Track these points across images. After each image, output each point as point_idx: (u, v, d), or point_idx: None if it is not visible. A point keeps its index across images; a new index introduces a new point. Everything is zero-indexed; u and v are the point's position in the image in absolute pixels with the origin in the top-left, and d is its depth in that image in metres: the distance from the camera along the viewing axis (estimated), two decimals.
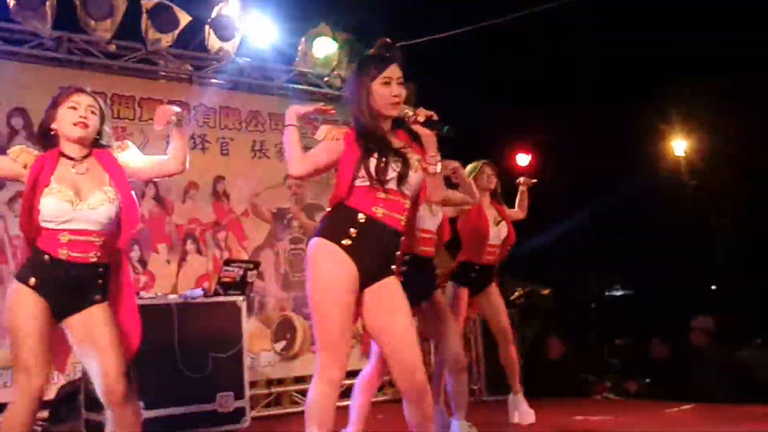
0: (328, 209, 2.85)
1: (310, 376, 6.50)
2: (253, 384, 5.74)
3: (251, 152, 6.51)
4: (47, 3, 5.43)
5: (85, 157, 2.95)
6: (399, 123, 2.87)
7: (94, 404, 4.56)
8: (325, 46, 6.68)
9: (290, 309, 6.49)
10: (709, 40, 8.59)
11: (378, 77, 2.79)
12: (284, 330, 6.41)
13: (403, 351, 2.73)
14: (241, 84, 6.63)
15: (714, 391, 5.67)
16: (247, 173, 6.44)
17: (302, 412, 6.18)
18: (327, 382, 2.68)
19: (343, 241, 2.70)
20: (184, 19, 6.00)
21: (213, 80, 6.53)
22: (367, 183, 2.74)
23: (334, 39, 6.73)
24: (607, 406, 5.93)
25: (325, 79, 6.90)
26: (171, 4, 5.93)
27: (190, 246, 6.04)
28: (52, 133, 2.92)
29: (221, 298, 5.12)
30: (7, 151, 2.91)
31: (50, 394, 4.86)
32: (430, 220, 4.14)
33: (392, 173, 2.75)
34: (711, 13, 8.25)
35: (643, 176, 9.46)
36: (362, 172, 2.73)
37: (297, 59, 6.77)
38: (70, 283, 2.84)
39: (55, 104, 2.93)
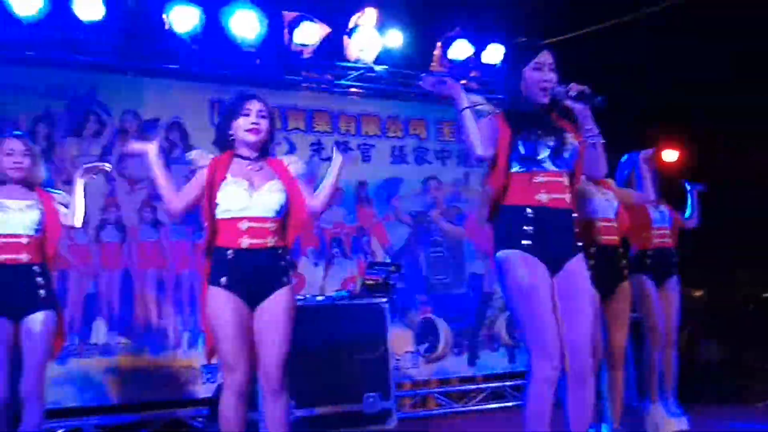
0: (490, 215, 2.83)
1: (454, 379, 6.61)
2: (398, 385, 5.80)
3: (391, 157, 6.62)
4: (197, 23, 5.74)
5: (258, 159, 3.13)
6: (550, 106, 2.85)
7: (251, 403, 4.79)
8: (461, 50, 6.68)
9: (431, 311, 6.53)
10: None
11: (530, 63, 2.81)
12: (426, 332, 6.46)
13: (574, 330, 2.71)
14: (379, 91, 6.75)
15: None
16: (388, 178, 6.55)
17: (447, 415, 6.27)
18: (543, 381, 2.67)
19: (523, 242, 2.71)
20: (324, 30, 6.18)
21: (352, 89, 6.69)
22: (523, 168, 2.74)
23: (470, 42, 6.73)
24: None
25: (462, 82, 6.89)
26: (310, 16, 6.12)
27: (336, 250, 6.22)
28: (231, 138, 3.12)
29: (366, 300, 5.23)
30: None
31: (209, 393, 5.15)
32: (608, 207, 3.99)
33: (545, 150, 2.74)
34: None
35: None
36: (516, 155, 2.73)
37: (432, 64, 6.81)
38: (257, 271, 2.99)
39: (230, 112, 3.13)
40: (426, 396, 6.36)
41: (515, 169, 2.77)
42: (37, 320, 3.44)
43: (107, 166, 3.82)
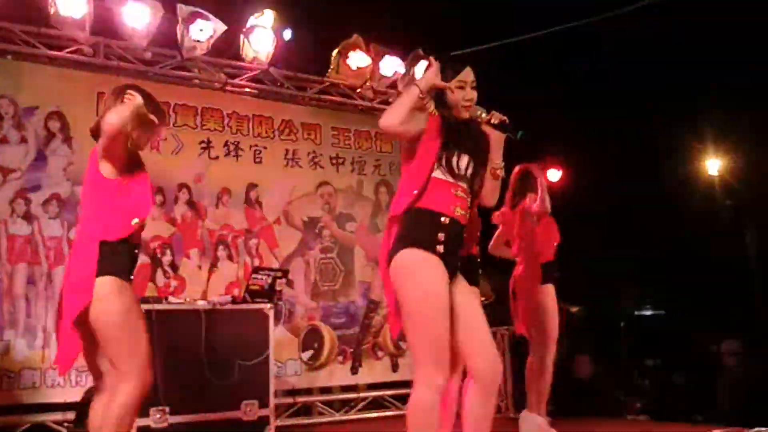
0: (398, 213, 2.78)
1: (336, 387, 6.56)
2: (279, 393, 5.71)
3: (284, 160, 6.53)
4: (86, 10, 5.50)
5: None
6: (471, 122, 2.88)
7: None
8: (359, 59, 6.70)
9: (318, 318, 6.46)
10: (744, 57, 8.48)
11: (452, 80, 2.82)
12: (312, 339, 6.39)
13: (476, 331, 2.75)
14: (273, 93, 6.66)
15: (743, 414, 5.55)
16: (280, 181, 6.45)
17: (327, 423, 6.21)
18: (434, 388, 2.63)
19: (438, 248, 2.68)
20: (220, 28, 6.04)
21: (246, 89, 6.57)
22: (443, 176, 2.75)
23: (368, 51, 6.75)
24: (637, 427, 5.83)
25: (357, 90, 6.91)
26: (207, 13, 5.97)
27: (221, 252, 6.05)
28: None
29: (249, 306, 5.11)
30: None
31: (77, 397, 4.89)
32: None
33: (465, 167, 2.78)
34: (747, 29, 8.14)
35: (677, 195, 9.35)
36: (441, 162, 2.74)
37: (330, 70, 6.78)
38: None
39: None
40: (307, 404, 6.29)
41: (437, 174, 2.76)
42: None
43: None
